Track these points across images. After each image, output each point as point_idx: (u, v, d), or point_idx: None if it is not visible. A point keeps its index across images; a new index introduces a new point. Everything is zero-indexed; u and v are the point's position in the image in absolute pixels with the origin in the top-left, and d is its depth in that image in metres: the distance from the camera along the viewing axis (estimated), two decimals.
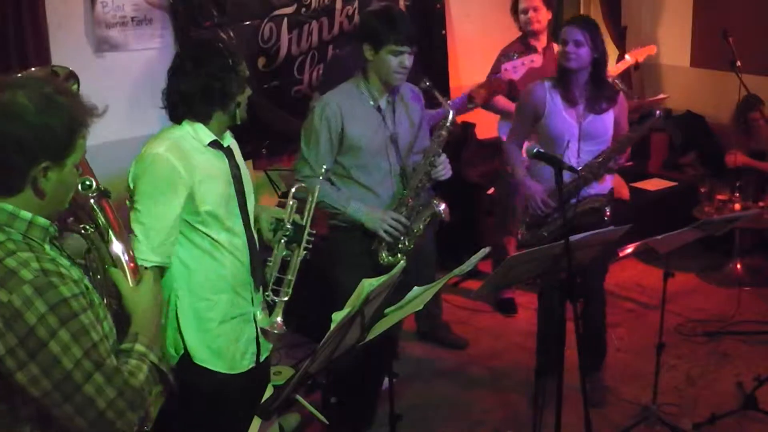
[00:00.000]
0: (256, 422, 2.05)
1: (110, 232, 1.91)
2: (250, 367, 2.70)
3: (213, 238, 2.56)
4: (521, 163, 3.71)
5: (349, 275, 2.80)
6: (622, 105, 3.68)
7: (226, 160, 2.61)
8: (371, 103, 3.20)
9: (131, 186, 2.53)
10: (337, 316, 2.12)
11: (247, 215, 2.67)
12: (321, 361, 2.18)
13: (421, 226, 3.25)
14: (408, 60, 3.14)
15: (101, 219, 1.91)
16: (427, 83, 3.30)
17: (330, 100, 3.17)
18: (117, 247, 1.91)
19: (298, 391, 2.22)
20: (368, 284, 2.17)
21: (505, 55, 4.64)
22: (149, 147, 2.51)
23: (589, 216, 3.50)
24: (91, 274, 1.88)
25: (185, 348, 2.60)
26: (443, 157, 3.25)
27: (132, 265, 1.93)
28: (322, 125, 3.15)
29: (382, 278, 2.26)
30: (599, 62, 3.52)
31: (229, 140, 2.65)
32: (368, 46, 3.15)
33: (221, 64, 2.50)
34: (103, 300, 1.81)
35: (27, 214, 1.66)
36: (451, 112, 3.24)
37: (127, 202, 2.56)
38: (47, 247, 1.70)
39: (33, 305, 1.55)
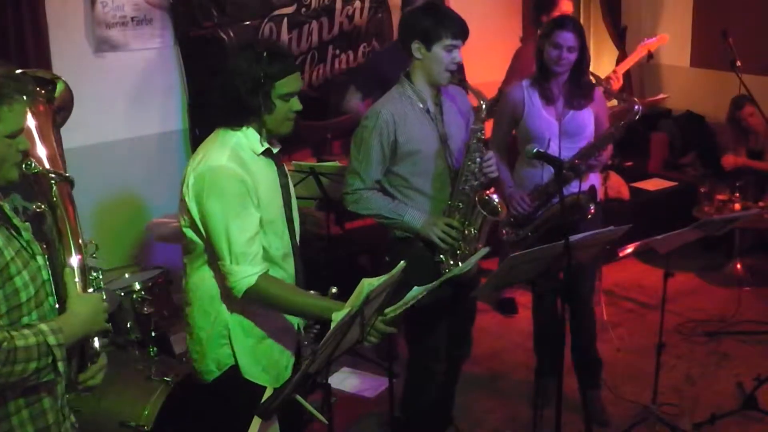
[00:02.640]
0: (256, 422, 2.05)
1: (68, 229, 2.04)
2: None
3: (270, 255, 2.50)
4: (507, 175, 3.69)
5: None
6: (600, 100, 3.67)
7: (275, 169, 2.56)
8: (420, 105, 3.07)
9: (193, 205, 2.41)
10: (337, 316, 2.12)
11: (293, 225, 2.63)
12: (321, 361, 2.18)
13: (473, 230, 3.09)
14: (459, 56, 3.03)
15: (58, 201, 2.05)
16: (459, 77, 3.15)
17: (382, 109, 3.04)
18: (74, 260, 2.03)
19: (298, 391, 2.22)
20: (368, 284, 2.17)
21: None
22: (208, 158, 2.40)
23: (570, 214, 3.44)
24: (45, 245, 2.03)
25: (236, 363, 2.54)
26: (490, 153, 3.10)
27: (78, 245, 2.04)
28: (373, 136, 3.01)
29: (382, 278, 2.26)
30: (581, 62, 3.51)
31: (277, 147, 2.57)
32: (418, 44, 3.00)
33: (248, 76, 2.37)
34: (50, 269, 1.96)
35: None
36: (484, 105, 3.07)
37: (183, 217, 2.47)
38: None
39: None
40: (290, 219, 2.61)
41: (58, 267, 2.02)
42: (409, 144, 3.04)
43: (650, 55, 5.51)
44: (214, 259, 2.47)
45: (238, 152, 2.41)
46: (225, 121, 2.45)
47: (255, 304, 2.48)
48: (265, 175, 2.49)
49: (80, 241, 2.06)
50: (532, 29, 4.90)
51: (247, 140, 2.45)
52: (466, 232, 3.09)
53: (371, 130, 3.03)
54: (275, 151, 2.55)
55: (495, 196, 3.11)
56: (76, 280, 2.00)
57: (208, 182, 2.37)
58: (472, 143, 3.07)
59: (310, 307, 2.45)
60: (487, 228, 3.14)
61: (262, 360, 2.58)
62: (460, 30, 3.00)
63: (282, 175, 2.58)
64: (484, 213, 3.05)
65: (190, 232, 2.48)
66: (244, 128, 2.45)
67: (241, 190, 2.38)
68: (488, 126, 3.35)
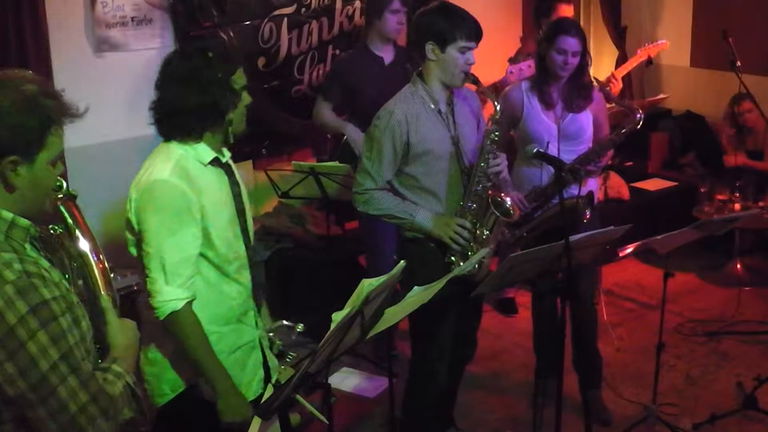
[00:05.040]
0: (256, 422, 2.05)
1: (77, 232, 1.95)
2: (259, 393, 2.53)
3: (222, 270, 2.42)
4: (506, 176, 3.69)
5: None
6: (599, 101, 3.67)
7: (226, 178, 2.47)
8: (432, 106, 3.06)
9: (134, 220, 2.34)
10: (337, 316, 2.12)
11: (248, 235, 2.54)
12: (321, 361, 2.18)
13: (486, 231, 3.08)
14: (473, 57, 3.03)
15: (69, 220, 1.95)
16: (473, 77, 3.12)
17: (395, 109, 3.02)
18: (84, 245, 1.95)
19: (298, 391, 2.22)
20: (368, 284, 2.17)
21: (512, 58, 4.68)
22: (150, 172, 2.32)
23: (566, 217, 3.42)
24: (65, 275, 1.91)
25: (197, 381, 2.44)
26: (501, 157, 3.11)
27: (101, 266, 1.96)
28: (385, 136, 3.00)
29: (382, 278, 2.25)
30: (582, 65, 3.52)
31: (227, 155, 2.49)
32: (432, 45, 2.99)
33: (211, 79, 2.30)
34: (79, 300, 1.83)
35: (8, 214, 1.67)
36: (498, 106, 3.07)
37: (128, 235, 2.39)
38: (28, 247, 1.71)
39: (14, 306, 1.57)
40: (244, 229, 2.52)
41: (82, 289, 1.94)
42: (421, 145, 3.03)
43: (650, 60, 5.53)
44: None
45: (182, 164, 2.33)
46: (181, 127, 2.34)
47: (172, 333, 2.35)
48: (214, 185, 2.40)
49: (102, 258, 1.98)
50: (534, 30, 4.91)
51: (195, 151, 2.36)
52: (478, 233, 3.09)
53: (383, 130, 3.01)
54: (224, 160, 2.46)
55: (508, 198, 3.11)
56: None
57: (147, 197, 2.30)
58: (486, 144, 3.07)
59: (213, 367, 2.35)
60: (499, 229, 3.14)
61: None
62: (474, 31, 3.00)
63: (234, 183, 2.48)
64: (497, 214, 3.06)
65: (135, 251, 2.40)
66: (191, 143, 2.36)
67: (181, 206, 2.29)
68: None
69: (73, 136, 4.78)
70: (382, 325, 2.44)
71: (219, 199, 2.41)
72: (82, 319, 1.74)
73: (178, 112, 2.32)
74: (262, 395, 2.53)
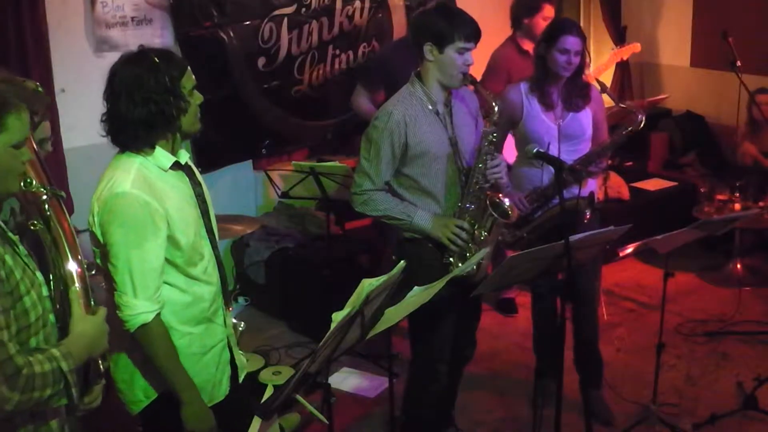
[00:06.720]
0: (256, 422, 2.05)
1: (65, 245, 2.00)
2: (228, 392, 2.54)
3: (190, 275, 2.39)
4: (506, 177, 3.69)
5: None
6: (598, 100, 3.67)
7: (187, 179, 2.44)
8: (430, 107, 3.05)
9: (99, 233, 2.29)
10: (337, 316, 2.12)
11: (214, 235, 2.51)
12: (321, 361, 2.18)
13: (484, 232, 3.09)
14: (471, 58, 3.03)
15: (52, 217, 1.99)
16: (471, 79, 3.10)
17: (393, 109, 3.01)
18: (72, 265, 2.01)
19: (298, 391, 2.22)
20: (368, 284, 2.17)
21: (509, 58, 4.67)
22: (111, 186, 2.28)
23: (566, 217, 3.42)
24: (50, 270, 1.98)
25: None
26: (499, 159, 3.10)
27: (78, 260, 2.01)
28: (384, 137, 2.99)
29: (382, 278, 2.25)
30: (581, 65, 3.52)
31: (185, 156, 2.44)
32: (431, 45, 2.99)
33: (156, 85, 2.26)
34: (47, 286, 1.92)
35: None
36: (496, 108, 3.06)
37: (94, 249, 2.35)
38: None
39: None
40: (210, 229, 2.49)
41: (57, 283, 1.98)
42: (420, 146, 3.03)
43: (621, 62, 5.53)
44: None
45: (143, 173, 2.30)
46: (134, 138, 2.32)
47: (141, 343, 2.33)
48: (177, 189, 2.37)
49: (79, 257, 2.02)
50: (512, 31, 4.87)
51: (153, 159, 2.34)
52: (476, 234, 3.09)
53: (382, 131, 3.01)
54: (183, 161, 2.42)
55: (506, 199, 3.11)
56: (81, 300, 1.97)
57: (110, 210, 2.25)
58: (484, 146, 3.07)
59: (180, 377, 2.34)
60: (498, 230, 3.14)
61: (198, 378, 2.43)
62: (473, 32, 2.99)
63: (195, 185, 2.46)
64: (495, 215, 3.05)
65: (102, 263, 2.36)
66: (147, 151, 2.33)
67: (145, 217, 2.25)
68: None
69: (73, 136, 4.79)
70: (382, 325, 2.44)
71: (182, 202, 2.38)
72: (25, 296, 1.80)
73: (129, 124, 2.29)
74: (231, 394, 2.55)
